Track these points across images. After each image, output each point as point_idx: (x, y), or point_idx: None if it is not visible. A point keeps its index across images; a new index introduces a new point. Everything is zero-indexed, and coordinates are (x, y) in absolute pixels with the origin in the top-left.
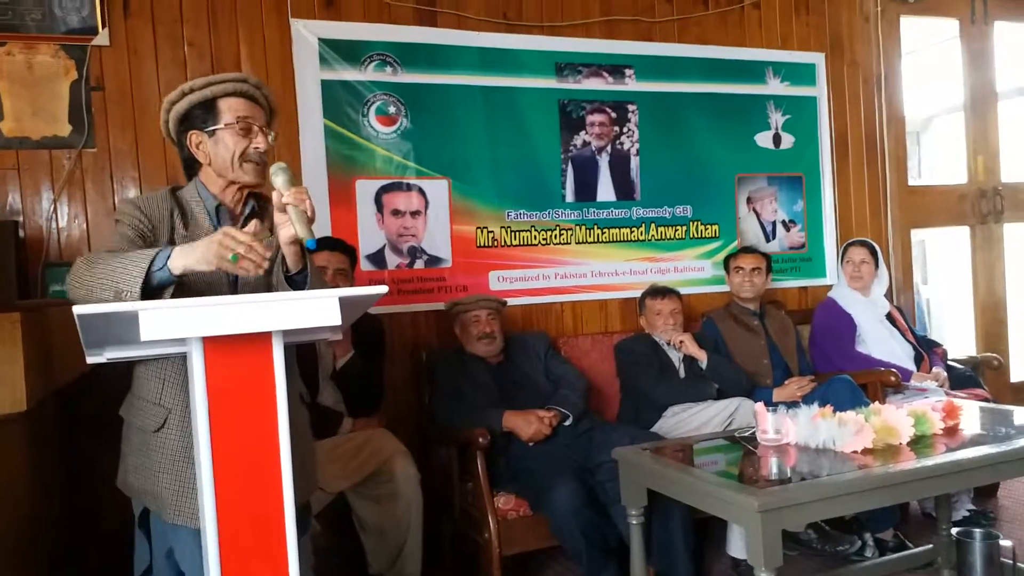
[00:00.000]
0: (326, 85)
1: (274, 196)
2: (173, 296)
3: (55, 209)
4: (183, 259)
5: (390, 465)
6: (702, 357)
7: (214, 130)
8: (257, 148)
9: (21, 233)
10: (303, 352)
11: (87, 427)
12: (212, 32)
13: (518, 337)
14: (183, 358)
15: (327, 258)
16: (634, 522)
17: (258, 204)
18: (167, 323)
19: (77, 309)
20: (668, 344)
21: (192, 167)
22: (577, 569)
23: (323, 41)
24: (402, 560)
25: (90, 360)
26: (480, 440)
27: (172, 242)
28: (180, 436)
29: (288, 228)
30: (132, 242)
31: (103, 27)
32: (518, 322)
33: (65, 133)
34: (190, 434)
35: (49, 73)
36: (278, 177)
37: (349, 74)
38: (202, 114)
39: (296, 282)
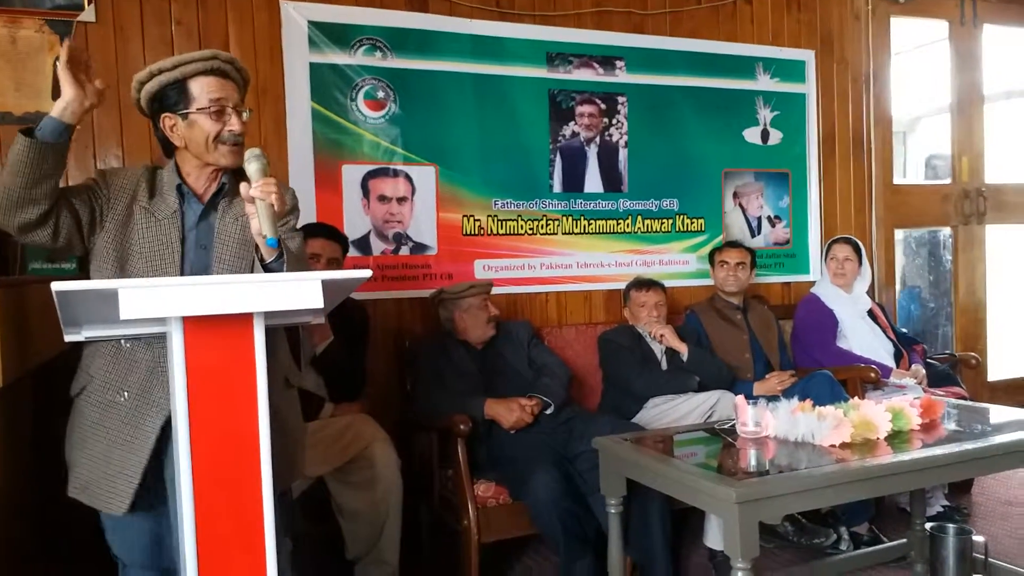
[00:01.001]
0: (315, 68)
1: (241, 187)
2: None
3: None
4: (57, 107)
5: (370, 451)
6: (683, 350)
7: (187, 113)
8: (232, 131)
9: None
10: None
11: (64, 407)
12: (200, 11)
13: (502, 325)
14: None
15: (322, 246)
16: (612, 511)
17: (232, 180)
18: (147, 302)
19: (56, 286)
20: (651, 336)
21: (168, 147)
22: (555, 558)
23: (313, 23)
24: (380, 546)
25: (68, 338)
26: (461, 427)
27: (130, 209)
28: (95, 408)
29: (256, 220)
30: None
31: (89, 3)
32: (502, 311)
33: (48, 109)
34: (103, 406)
35: (33, 48)
36: (251, 165)
37: (338, 57)
38: (174, 95)
39: (273, 270)
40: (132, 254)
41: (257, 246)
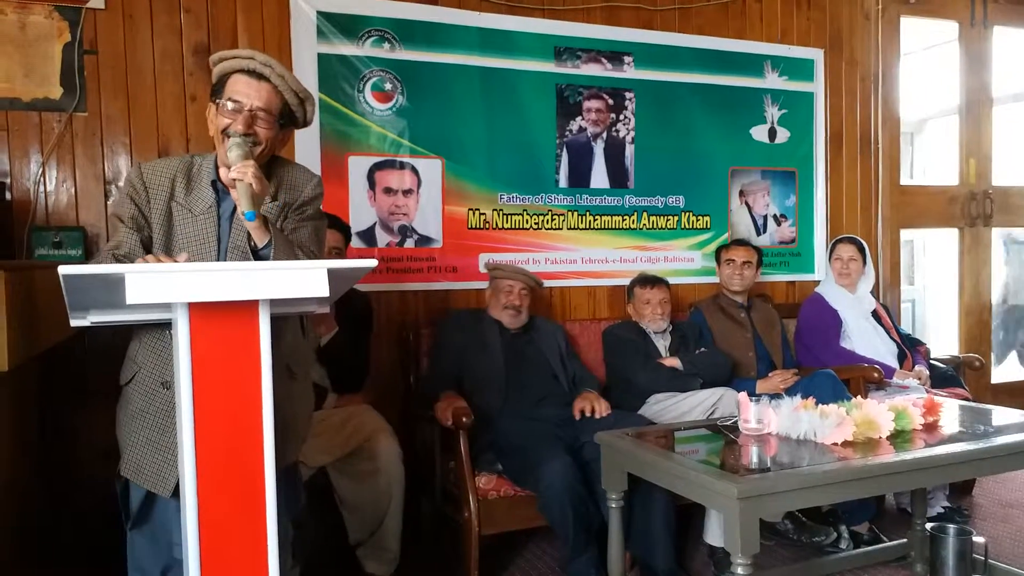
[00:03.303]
0: (322, 59)
1: (220, 172)
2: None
3: (43, 172)
4: None
5: (373, 442)
6: (676, 365)
7: (217, 105)
8: (236, 129)
9: (8, 195)
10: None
11: (70, 390)
12: None
13: (540, 320)
14: (164, 326)
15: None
16: (614, 506)
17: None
18: (153, 287)
19: (63, 269)
20: (654, 332)
21: None
22: (554, 551)
23: (321, 14)
24: (381, 533)
25: (74, 323)
26: (463, 420)
27: (168, 211)
28: (141, 394)
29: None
30: (128, 231)
31: None
32: None
33: (56, 96)
34: (149, 394)
35: (42, 34)
36: (232, 152)
37: (346, 48)
38: (217, 87)
39: (262, 256)
40: (175, 252)
41: (250, 234)
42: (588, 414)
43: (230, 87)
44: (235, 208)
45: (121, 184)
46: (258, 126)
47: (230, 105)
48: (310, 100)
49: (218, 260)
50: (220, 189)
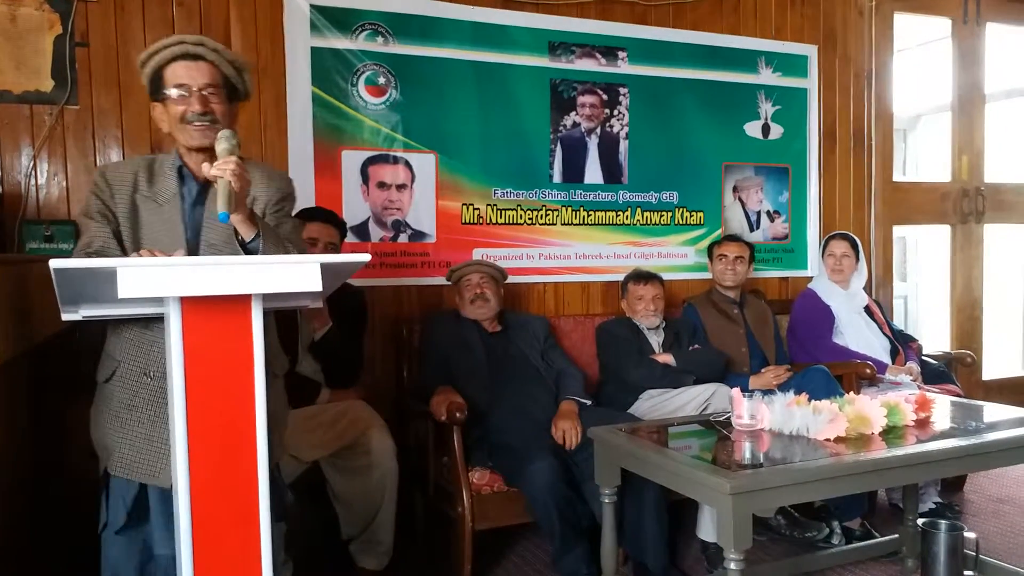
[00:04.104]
0: (316, 52)
1: (203, 167)
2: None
3: (35, 166)
4: None
5: (367, 437)
6: (669, 361)
7: (163, 100)
8: (194, 111)
9: None
10: (281, 321)
11: (61, 385)
12: None
13: (517, 315)
14: (144, 320)
15: (319, 230)
16: (607, 501)
17: None
18: (146, 281)
19: (54, 263)
20: (648, 328)
21: None
22: (548, 546)
23: (315, 7)
24: (374, 527)
25: (65, 317)
26: (457, 415)
27: (133, 203)
28: (124, 388)
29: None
30: (98, 226)
31: None
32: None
33: (47, 88)
34: (133, 387)
35: (33, 26)
36: (219, 145)
37: (340, 42)
38: (155, 84)
39: (251, 250)
40: (144, 242)
41: (236, 229)
42: (560, 443)
43: (170, 77)
44: (199, 193)
45: None
46: (212, 104)
47: (175, 92)
48: (247, 69)
49: (187, 245)
50: (186, 175)
